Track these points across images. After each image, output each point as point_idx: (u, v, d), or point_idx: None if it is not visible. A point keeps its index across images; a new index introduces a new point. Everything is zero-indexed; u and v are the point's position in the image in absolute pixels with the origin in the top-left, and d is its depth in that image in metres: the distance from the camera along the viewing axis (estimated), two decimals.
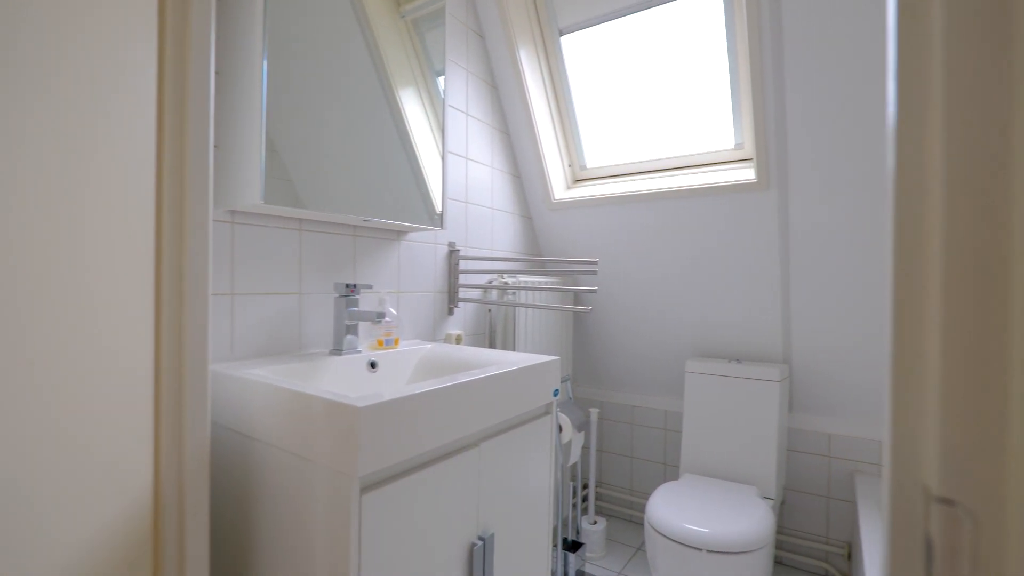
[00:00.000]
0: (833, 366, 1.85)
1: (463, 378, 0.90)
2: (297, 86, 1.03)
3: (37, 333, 0.58)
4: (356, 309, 1.15)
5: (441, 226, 1.39)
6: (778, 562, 2.02)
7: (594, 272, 1.54)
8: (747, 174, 1.70)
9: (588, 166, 2.10)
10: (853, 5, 1.30)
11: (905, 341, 0.27)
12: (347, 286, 1.14)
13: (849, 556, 1.88)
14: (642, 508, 2.31)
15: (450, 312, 1.63)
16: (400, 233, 1.43)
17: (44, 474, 0.58)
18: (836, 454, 1.94)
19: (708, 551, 1.37)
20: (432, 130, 1.39)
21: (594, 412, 2.04)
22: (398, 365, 1.23)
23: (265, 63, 0.98)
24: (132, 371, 0.67)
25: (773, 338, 1.92)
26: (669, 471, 2.25)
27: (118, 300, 0.65)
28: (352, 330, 1.16)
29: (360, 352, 1.17)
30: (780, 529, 2.02)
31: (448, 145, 1.61)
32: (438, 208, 1.41)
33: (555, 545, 1.83)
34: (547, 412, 1.20)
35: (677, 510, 1.53)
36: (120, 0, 0.65)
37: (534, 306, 1.53)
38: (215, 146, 1.00)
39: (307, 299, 1.17)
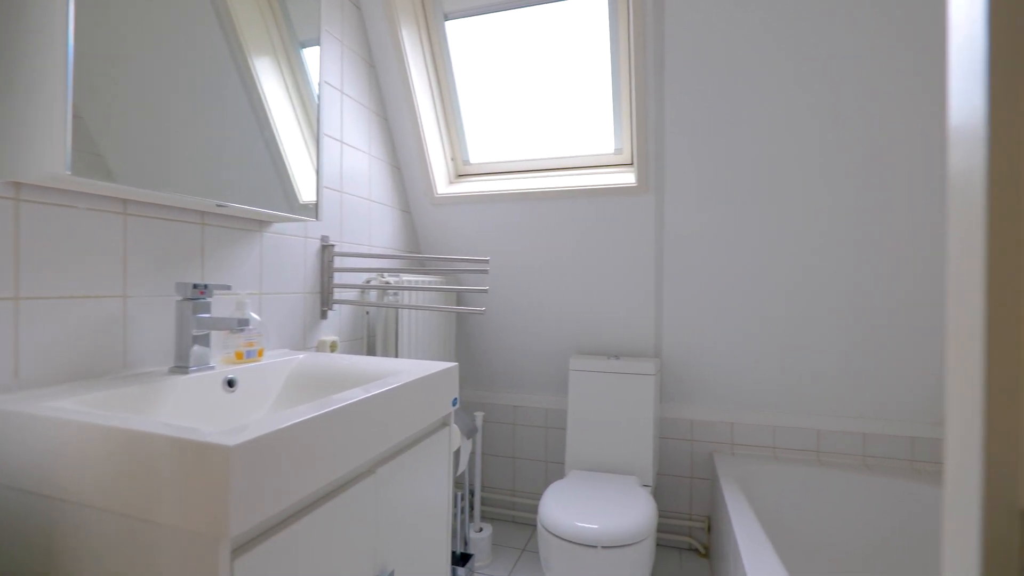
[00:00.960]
0: (697, 358, 2.01)
1: (357, 396, 0.76)
2: (119, 33, 0.79)
3: None
4: (208, 315, 0.92)
5: (316, 216, 1.20)
6: None
7: (485, 271, 1.47)
8: (627, 178, 1.77)
9: (472, 161, 2.02)
10: (733, 19, 1.40)
11: (1005, 350, 0.22)
12: (195, 287, 0.91)
13: (709, 528, 2.06)
14: (526, 508, 2.30)
15: (323, 316, 1.43)
16: (263, 224, 1.20)
17: None
18: (697, 437, 2.12)
19: (603, 547, 1.38)
20: (295, 107, 1.19)
21: (479, 416, 1.97)
22: (263, 382, 1.03)
23: None
24: None
25: (647, 334, 2.03)
26: (551, 468, 2.27)
27: None
28: (202, 341, 0.93)
29: (213, 368, 0.94)
30: None
31: (323, 126, 1.41)
32: (310, 196, 1.21)
33: None
34: (445, 424, 1.10)
35: (568, 509, 1.52)
36: None
37: (423, 308, 1.40)
38: None
39: (137, 304, 0.91)
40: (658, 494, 2.16)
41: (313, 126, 1.23)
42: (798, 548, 1.82)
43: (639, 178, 1.69)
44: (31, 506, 0.62)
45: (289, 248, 1.29)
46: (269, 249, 1.22)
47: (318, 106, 1.25)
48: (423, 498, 0.98)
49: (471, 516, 1.94)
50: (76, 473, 0.59)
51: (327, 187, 1.45)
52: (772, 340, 1.89)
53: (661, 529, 2.14)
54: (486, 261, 1.47)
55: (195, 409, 0.87)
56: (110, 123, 0.76)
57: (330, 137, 1.46)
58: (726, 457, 2.01)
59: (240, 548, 0.56)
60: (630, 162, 1.84)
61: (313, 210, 1.21)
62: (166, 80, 0.86)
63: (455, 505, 1.84)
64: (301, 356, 1.14)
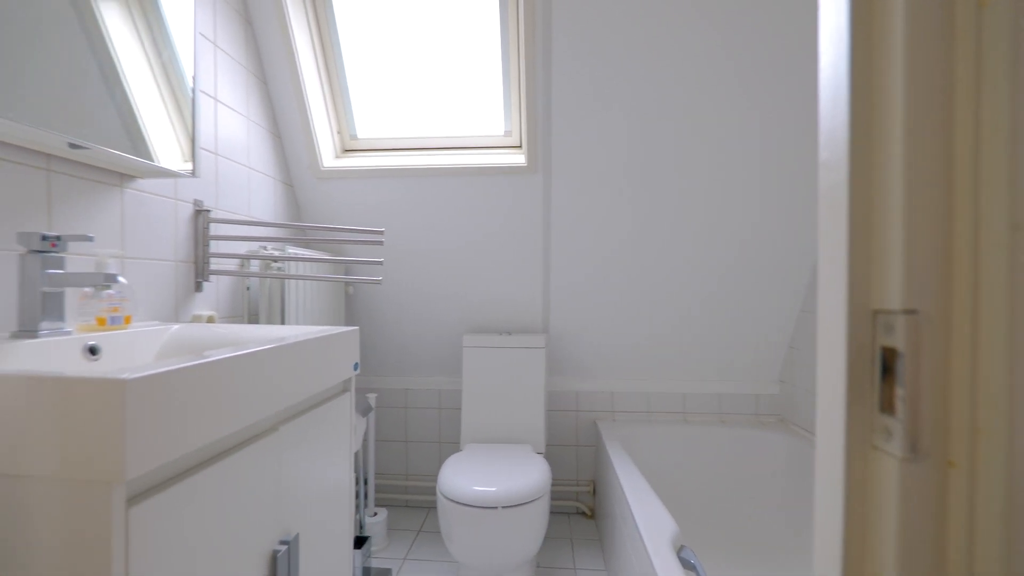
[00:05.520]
0: (581, 333, 2.16)
1: (257, 347, 0.71)
2: None
3: None
4: (60, 271, 0.79)
5: (194, 172, 1.09)
6: None
7: (380, 243, 1.44)
8: (517, 159, 1.84)
9: (359, 136, 1.95)
10: (617, 11, 1.52)
11: (861, 210, 0.30)
12: (44, 238, 0.78)
13: (594, 492, 2.23)
14: (419, 491, 2.28)
15: (198, 288, 1.29)
16: (125, 178, 1.05)
17: None
18: (582, 407, 2.27)
19: (503, 507, 1.43)
20: (147, 51, 1.06)
21: (373, 397, 1.92)
22: (133, 350, 0.91)
23: None
24: None
25: (536, 311, 2.13)
26: (445, 448, 2.28)
27: None
28: (53, 303, 0.80)
29: (69, 333, 0.82)
30: None
31: (197, 80, 1.27)
32: (179, 153, 1.09)
33: None
34: (346, 389, 1.06)
35: (466, 477, 1.55)
36: None
37: (313, 278, 1.34)
38: None
39: None
40: (548, 462, 2.27)
41: (172, 77, 1.11)
42: (671, 495, 2.05)
43: (529, 159, 1.77)
44: None
45: (156, 209, 1.15)
46: (132, 209, 1.08)
47: (195, 57, 1.13)
48: (326, 463, 0.94)
49: (365, 501, 1.89)
50: None
51: (203, 148, 1.31)
52: (644, 314, 2.10)
53: (551, 496, 2.26)
54: (381, 232, 1.45)
55: None
56: None
57: (204, 93, 1.32)
58: (608, 423, 2.19)
59: (137, 496, 0.50)
60: (519, 144, 1.92)
61: (192, 170, 1.09)
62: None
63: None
64: (176, 327, 1.03)
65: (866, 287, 0.30)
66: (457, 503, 1.46)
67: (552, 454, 2.27)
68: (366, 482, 1.91)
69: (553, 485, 2.26)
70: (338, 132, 1.92)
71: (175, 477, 0.56)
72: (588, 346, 2.19)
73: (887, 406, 0.30)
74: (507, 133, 1.93)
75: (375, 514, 1.91)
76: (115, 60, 0.95)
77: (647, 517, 1.31)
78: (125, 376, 0.47)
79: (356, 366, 1.07)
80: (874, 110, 0.30)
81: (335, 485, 0.99)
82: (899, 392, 0.29)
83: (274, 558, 0.74)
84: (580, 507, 2.24)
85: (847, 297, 0.30)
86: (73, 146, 0.85)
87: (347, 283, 2.00)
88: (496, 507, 1.43)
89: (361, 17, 1.75)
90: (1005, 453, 0.26)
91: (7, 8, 0.74)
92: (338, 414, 1.00)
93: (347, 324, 2.15)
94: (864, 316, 0.30)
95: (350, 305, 2.12)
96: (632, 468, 1.64)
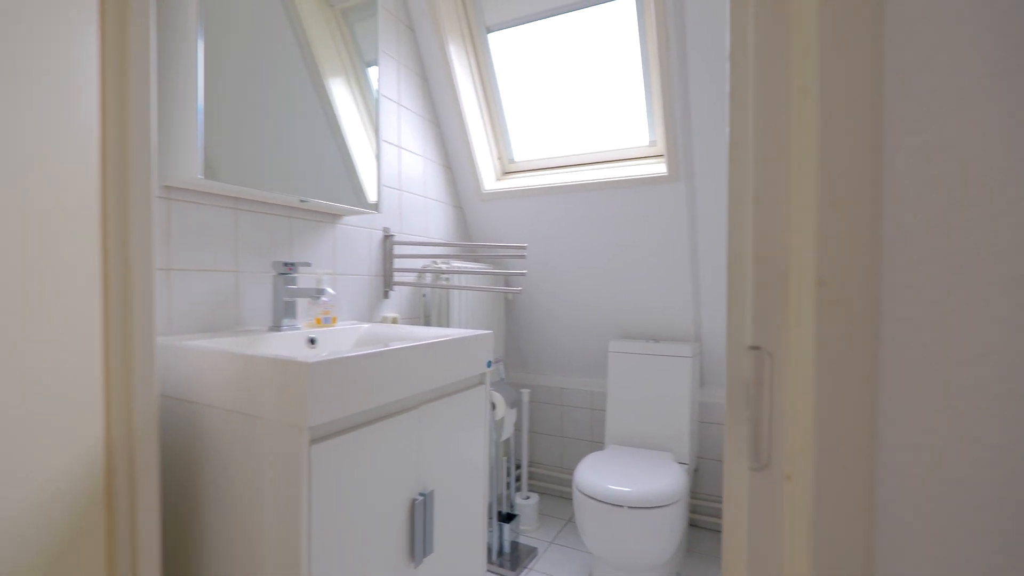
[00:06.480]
0: None
1: (403, 344, 0.97)
2: (230, 70, 1.05)
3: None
4: (294, 287, 1.17)
5: (377, 210, 1.44)
6: (693, 524, 2.22)
7: (523, 256, 1.65)
8: (660, 168, 1.88)
9: (516, 159, 2.21)
10: None
11: (736, 260, 0.38)
12: (285, 264, 1.17)
13: None
14: (571, 484, 2.45)
15: (386, 295, 1.68)
16: (336, 217, 1.46)
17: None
18: None
19: (629, 507, 1.51)
20: (362, 118, 1.44)
21: (525, 392, 2.16)
22: (337, 341, 1.27)
23: (201, 42, 0.99)
24: (80, 339, 0.68)
25: (685, 318, 2.12)
26: (595, 447, 2.41)
27: (65, 276, 0.66)
28: (290, 308, 1.19)
29: (299, 329, 1.20)
30: (694, 494, 2.23)
31: (382, 134, 1.65)
32: (373, 194, 1.45)
33: (491, 517, 1.92)
34: (481, 382, 1.29)
35: (601, 474, 1.67)
36: None
37: (468, 288, 1.61)
38: None
39: (244, 277, 1.18)
40: (700, 476, 2.23)
41: (375, 134, 1.47)
42: None
43: (669, 167, 1.80)
44: (180, 409, 0.88)
45: (357, 238, 1.54)
46: (341, 238, 1.48)
47: (376, 116, 1.49)
48: (460, 440, 1.18)
49: (518, 484, 2.13)
50: (209, 384, 0.84)
51: (388, 186, 1.70)
52: None
53: (703, 512, 2.21)
54: (523, 247, 1.66)
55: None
56: (231, 137, 1.03)
57: (389, 143, 1.71)
58: None
59: (317, 439, 0.78)
60: (663, 153, 1.95)
61: (376, 206, 1.46)
62: (265, 99, 1.12)
63: (506, 473, 2.04)
64: (367, 325, 1.38)
65: (745, 325, 0.38)
66: (588, 496, 1.59)
67: (705, 468, 2.22)
68: (519, 466, 2.16)
69: (709, 501, 2.21)
70: (498, 158, 2.20)
71: (342, 431, 0.83)
72: None
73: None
74: (652, 143, 1.98)
75: (527, 497, 2.14)
76: (341, 126, 1.34)
77: None
78: (309, 360, 0.75)
79: (489, 363, 1.29)
80: (743, 181, 0.38)
81: (469, 460, 1.22)
82: (747, 414, 0.36)
83: (413, 505, 0.99)
84: None
85: (727, 333, 0.39)
86: (302, 200, 1.23)
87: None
88: (623, 506, 1.52)
89: (515, 52, 2.00)
90: (814, 469, 0.32)
91: (281, 113, 1.14)
92: (473, 402, 1.24)
93: (507, 327, 2.44)
94: (742, 350, 0.38)
95: (510, 310, 2.40)
96: None
